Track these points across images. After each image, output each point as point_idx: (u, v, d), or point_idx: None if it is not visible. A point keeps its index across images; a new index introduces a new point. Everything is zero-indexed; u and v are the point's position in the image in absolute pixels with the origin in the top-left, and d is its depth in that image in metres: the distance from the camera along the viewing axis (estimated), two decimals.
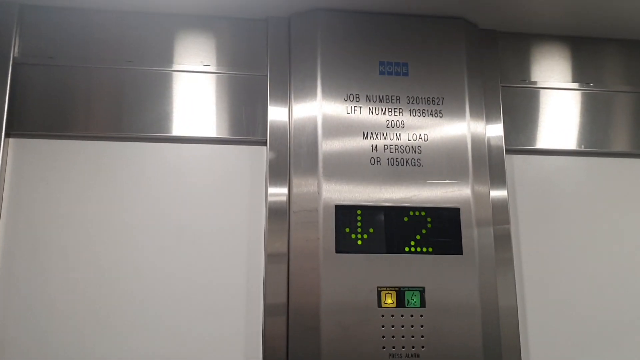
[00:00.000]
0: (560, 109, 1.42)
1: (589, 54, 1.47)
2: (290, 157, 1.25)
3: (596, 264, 1.35)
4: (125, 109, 1.28)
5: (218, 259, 1.24)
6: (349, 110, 1.27)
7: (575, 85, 1.44)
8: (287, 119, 1.27)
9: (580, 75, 1.46)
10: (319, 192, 1.21)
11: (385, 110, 1.28)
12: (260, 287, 1.22)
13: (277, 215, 1.22)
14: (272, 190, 1.23)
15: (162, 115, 1.28)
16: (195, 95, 1.30)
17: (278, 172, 1.24)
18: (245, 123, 1.30)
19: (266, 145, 1.27)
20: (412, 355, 1.15)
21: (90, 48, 1.30)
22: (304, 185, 1.22)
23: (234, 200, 1.27)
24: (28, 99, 1.25)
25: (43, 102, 1.26)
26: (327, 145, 1.23)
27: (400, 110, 1.28)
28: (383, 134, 1.26)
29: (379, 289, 1.17)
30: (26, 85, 1.26)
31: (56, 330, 1.16)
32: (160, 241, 1.23)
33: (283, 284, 1.18)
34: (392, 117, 1.28)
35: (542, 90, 1.43)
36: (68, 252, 1.20)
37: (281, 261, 1.19)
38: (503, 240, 1.27)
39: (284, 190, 1.23)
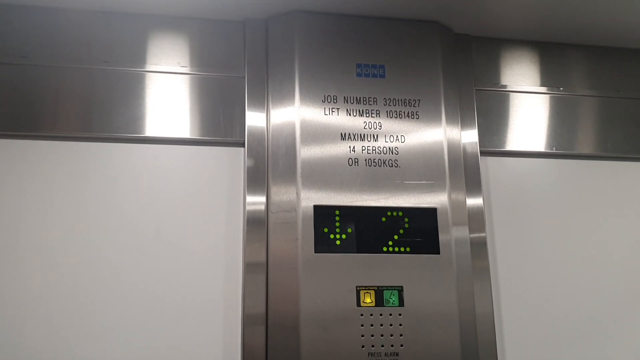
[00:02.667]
0: (531, 112, 1.45)
1: (559, 59, 1.51)
2: (268, 158, 1.25)
3: (570, 266, 1.38)
4: (100, 109, 1.26)
5: (194, 263, 1.22)
6: (327, 112, 1.27)
7: (545, 89, 1.48)
8: (264, 120, 1.28)
9: (551, 79, 1.49)
10: (297, 193, 1.21)
11: (362, 111, 1.29)
12: (239, 289, 1.21)
13: (256, 220, 1.21)
14: (250, 197, 1.23)
15: (138, 116, 1.27)
16: (171, 96, 1.29)
17: (256, 175, 1.24)
18: (223, 124, 1.29)
19: (244, 146, 1.27)
20: (391, 354, 1.15)
21: (65, 48, 1.28)
22: (282, 187, 1.22)
23: (211, 202, 1.26)
24: (0, 98, 1.23)
25: (15, 101, 1.23)
26: (305, 147, 1.24)
27: (378, 112, 1.30)
28: (360, 135, 1.27)
29: (358, 288, 1.18)
30: None
31: (21, 340, 1.13)
32: (134, 247, 1.20)
33: (262, 286, 1.17)
34: (370, 119, 1.29)
35: (514, 94, 1.46)
36: (35, 256, 1.17)
37: (260, 266, 1.18)
38: (479, 248, 1.29)
39: (263, 197, 1.22)
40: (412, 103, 1.31)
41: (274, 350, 1.14)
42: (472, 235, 1.28)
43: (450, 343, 1.18)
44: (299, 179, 1.22)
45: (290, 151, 1.24)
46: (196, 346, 1.18)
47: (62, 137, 1.24)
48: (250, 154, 1.25)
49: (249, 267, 1.19)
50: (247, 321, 1.16)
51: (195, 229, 1.24)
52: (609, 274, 1.39)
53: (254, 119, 1.28)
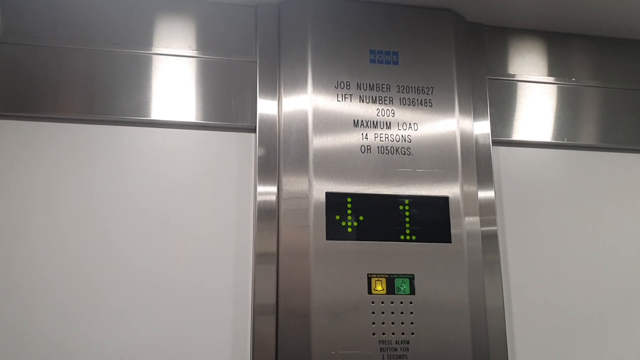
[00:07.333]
0: (543, 102, 1.44)
1: (572, 50, 1.50)
2: (279, 145, 1.23)
3: (581, 259, 1.37)
4: (111, 92, 1.24)
5: (204, 250, 1.21)
6: (340, 98, 1.26)
7: (557, 80, 1.47)
8: (276, 106, 1.26)
9: (563, 70, 1.48)
10: (309, 180, 1.20)
11: (375, 98, 1.28)
12: (249, 277, 1.20)
13: (266, 208, 1.20)
14: (261, 185, 1.21)
15: (148, 99, 1.25)
16: (182, 80, 1.28)
17: (267, 162, 1.23)
18: (234, 109, 1.28)
19: (255, 132, 1.25)
20: (402, 342, 1.15)
21: (75, 29, 1.26)
22: (294, 174, 1.21)
23: (221, 188, 1.25)
24: (11, 79, 1.21)
25: (25, 82, 1.21)
26: (318, 133, 1.23)
27: (391, 99, 1.29)
28: (373, 122, 1.26)
29: (369, 276, 1.17)
30: (8, 65, 1.22)
31: (30, 323, 1.12)
32: (143, 232, 1.19)
33: (272, 276, 1.16)
34: (383, 106, 1.28)
35: (526, 84, 1.45)
36: (43, 240, 1.16)
37: (270, 256, 1.18)
38: (490, 239, 1.28)
39: (274, 184, 1.21)
40: (425, 91, 1.30)
41: (284, 338, 1.13)
42: (483, 226, 1.27)
43: (461, 332, 1.18)
44: (311, 166, 1.21)
45: (302, 138, 1.23)
46: (205, 334, 1.17)
47: (71, 120, 1.23)
48: (261, 140, 1.24)
49: (260, 258, 1.18)
50: (257, 310, 1.15)
51: (205, 215, 1.23)
52: (620, 267, 1.39)
53: (265, 104, 1.26)
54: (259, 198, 1.21)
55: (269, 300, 1.15)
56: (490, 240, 1.28)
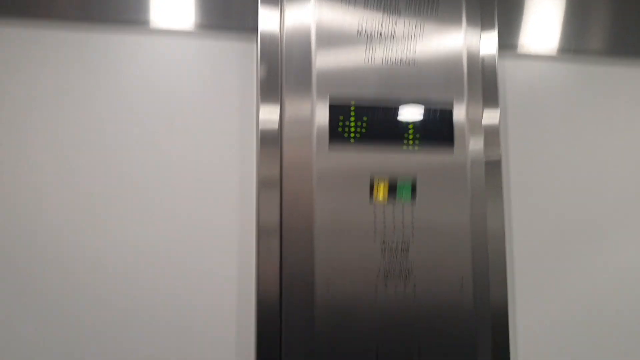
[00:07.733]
0: (552, 9, 1.40)
1: None
2: (281, 53, 1.21)
3: (587, 177, 1.37)
4: None
5: (207, 162, 1.21)
6: (344, 3, 1.23)
7: None
8: (278, 10, 1.22)
9: None
10: (311, 90, 1.19)
11: (380, 4, 1.24)
12: (252, 190, 1.21)
13: (269, 123, 1.19)
14: (263, 103, 1.19)
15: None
16: None
17: (269, 74, 1.20)
18: (234, 15, 1.25)
19: (257, 37, 1.22)
20: (402, 241, 1.17)
21: None
22: (297, 86, 1.19)
23: (223, 105, 1.23)
24: None
25: None
26: (321, 42, 1.20)
27: (397, 6, 1.25)
28: (378, 32, 1.23)
29: (372, 183, 1.18)
30: None
31: (32, 232, 1.13)
32: (145, 142, 1.19)
33: (276, 186, 1.17)
34: (388, 14, 1.24)
35: None
36: (45, 150, 1.15)
37: (274, 171, 1.17)
38: (493, 165, 1.27)
39: (277, 100, 1.19)
40: None
41: (287, 250, 1.15)
42: (486, 144, 1.26)
43: (460, 234, 1.20)
44: (314, 78, 1.19)
45: (305, 47, 1.20)
46: (211, 253, 1.18)
47: (64, 18, 1.19)
48: (263, 49, 1.21)
49: (263, 178, 1.17)
50: (262, 229, 1.16)
51: (206, 131, 1.22)
52: (626, 186, 1.38)
53: (267, 13, 1.22)
54: (262, 116, 1.19)
55: (274, 218, 1.16)
56: (493, 170, 1.27)
